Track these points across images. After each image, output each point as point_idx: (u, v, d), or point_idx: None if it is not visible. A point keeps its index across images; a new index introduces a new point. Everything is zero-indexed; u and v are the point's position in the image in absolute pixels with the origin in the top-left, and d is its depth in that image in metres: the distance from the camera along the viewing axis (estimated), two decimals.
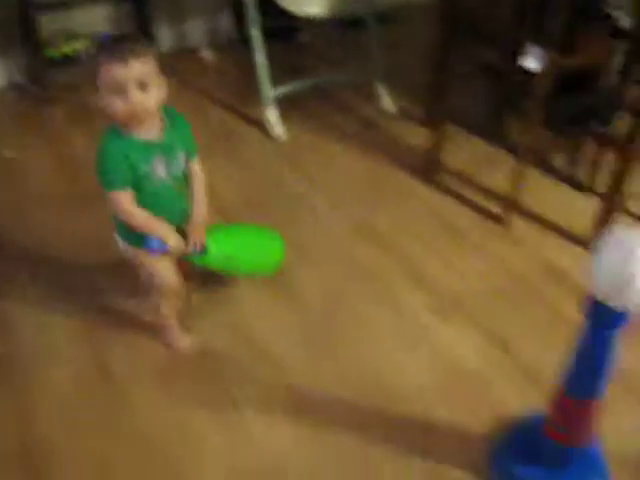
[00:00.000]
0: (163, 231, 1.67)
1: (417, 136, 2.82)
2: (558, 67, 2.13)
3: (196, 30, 3.44)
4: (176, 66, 3.28)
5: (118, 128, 1.58)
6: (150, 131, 1.61)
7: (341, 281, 2.19)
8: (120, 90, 1.50)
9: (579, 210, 2.48)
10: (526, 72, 2.19)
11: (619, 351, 1.57)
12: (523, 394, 1.83)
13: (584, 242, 2.35)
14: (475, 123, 2.79)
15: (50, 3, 2.96)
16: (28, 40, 2.98)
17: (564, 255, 2.33)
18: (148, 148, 1.61)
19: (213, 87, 3.19)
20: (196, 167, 1.77)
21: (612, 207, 2.30)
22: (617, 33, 2.33)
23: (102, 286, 2.13)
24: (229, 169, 2.67)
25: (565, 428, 1.54)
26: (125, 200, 1.61)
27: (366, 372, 1.91)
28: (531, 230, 2.44)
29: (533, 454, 1.64)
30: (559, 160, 2.74)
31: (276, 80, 2.93)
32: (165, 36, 3.38)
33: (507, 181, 2.42)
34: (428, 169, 2.67)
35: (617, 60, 2.43)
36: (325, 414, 1.79)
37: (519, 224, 2.45)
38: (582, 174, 2.64)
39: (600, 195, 2.38)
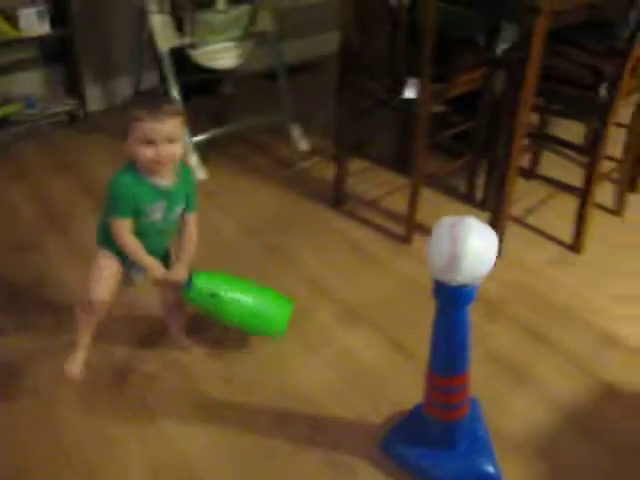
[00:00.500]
0: (149, 261, 1.87)
1: (328, 170, 3.04)
2: (433, 96, 2.40)
3: (124, 89, 3.67)
4: (105, 123, 3.54)
5: (135, 168, 1.80)
6: (162, 179, 1.83)
7: None
8: (151, 143, 1.72)
9: None
10: (408, 102, 2.43)
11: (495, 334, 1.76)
12: (422, 391, 1.95)
13: None
14: (380, 154, 3.04)
15: None
16: None
17: None
18: (155, 192, 1.82)
19: None
20: (192, 219, 1.99)
21: (501, 218, 2.54)
22: (495, 61, 2.59)
23: (36, 319, 2.30)
24: None
25: (441, 404, 1.72)
26: (123, 227, 1.82)
27: (272, 375, 2.10)
28: None
29: (422, 437, 1.82)
30: (454, 180, 3.00)
31: (199, 128, 3.17)
32: (95, 95, 3.61)
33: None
34: (337, 199, 2.91)
35: (499, 86, 2.69)
36: (234, 417, 1.96)
37: (421, 241, 2.68)
38: (476, 190, 2.90)
39: (490, 208, 2.62)
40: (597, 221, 2.78)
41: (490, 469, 1.77)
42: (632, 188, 3.00)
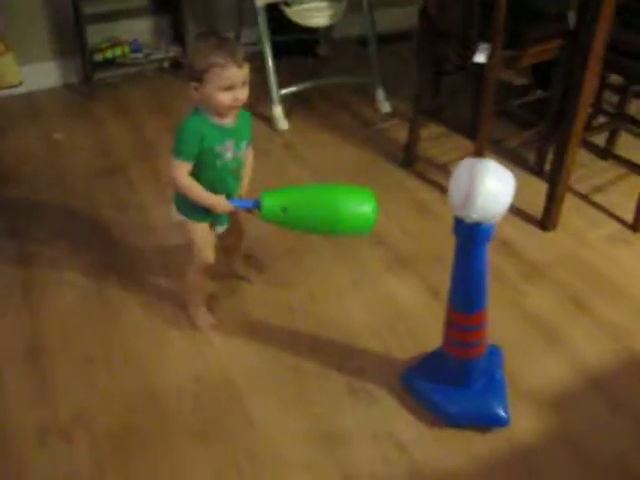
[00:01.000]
0: (213, 199, 1.93)
1: (405, 132, 3.14)
2: (504, 62, 2.47)
3: None
4: None
5: (202, 112, 1.85)
6: (228, 120, 1.88)
7: (309, 238, 2.51)
8: (231, 87, 1.77)
9: (532, 191, 2.78)
10: (480, 67, 2.51)
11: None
12: None
13: (535, 220, 2.66)
14: (455, 120, 3.11)
15: (98, 14, 3.48)
16: (80, 47, 3.48)
17: (515, 230, 2.64)
18: (223, 132, 1.87)
19: None
20: (250, 151, 2.06)
21: (559, 188, 2.58)
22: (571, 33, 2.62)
23: (118, 237, 2.58)
24: None
25: (458, 341, 1.83)
26: (182, 170, 1.87)
27: (316, 306, 2.27)
28: None
29: (439, 374, 1.94)
30: (526, 152, 3.05)
31: (289, 83, 3.35)
32: None
33: None
34: (408, 160, 3.02)
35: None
36: (274, 339, 2.15)
37: None
38: (545, 163, 2.94)
39: (549, 178, 2.66)
40: None
41: (501, 412, 1.87)
42: None
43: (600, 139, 3.08)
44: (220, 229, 2.11)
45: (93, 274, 2.39)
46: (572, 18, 2.60)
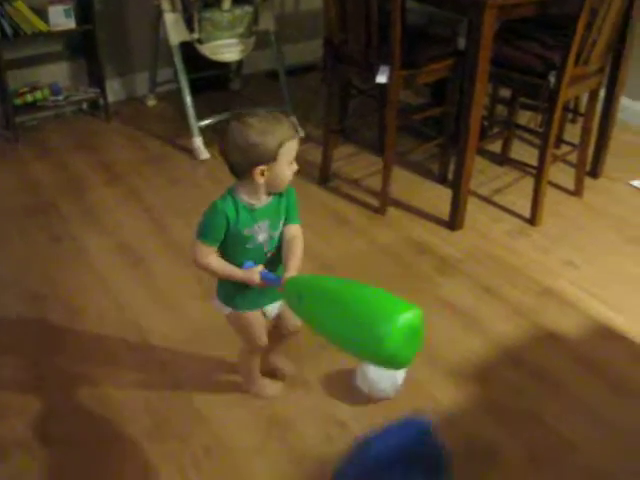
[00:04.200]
0: (241, 274, 1.76)
1: (320, 154, 3.39)
2: (402, 81, 2.74)
3: (141, 82, 4.08)
4: (122, 112, 3.98)
5: (237, 194, 1.72)
6: (263, 200, 1.76)
7: None
8: (292, 160, 1.70)
9: (439, 197, 3.08)
10: (383, 87, 2.78)
11: None
12: None
13: (444, 221, 2.93)
14: (366, 140, 3.38)
15: (17, 60, 3.60)
16: (0, 92, 3.58)
17: (426, 232, 2.91)
18: (253, 215, 1.74)
19: (154, 126, 3.82)
20: (298, 229, 1.85)
21: (461, 192, 2.86)
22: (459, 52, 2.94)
23: (54, 268, 2.69)
24: (160, 184, 3.27)
25: None
26: (204, 252, 1.75)
27: None
28: (402, 216, 3.01)
29: None
30: (431, 164, 3.34)
31: (206, 115, 3.55)
32: (114, 87, 4.01)
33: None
34: (323, 177, 3.26)
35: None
36: (216, 346, 2.29)
37: (393, 212, 3.03)
38: (448, 173, 3.23)
39: (451, 184, 2.95)
40: (557, 201, 3.13)
41: None
42: (595, 174, 3.31)
43: (496, 147, 3.41)
44: (271, 312, 1.99)
45: (32, 302, 2.51)
46: (462, 42, 2.92)
